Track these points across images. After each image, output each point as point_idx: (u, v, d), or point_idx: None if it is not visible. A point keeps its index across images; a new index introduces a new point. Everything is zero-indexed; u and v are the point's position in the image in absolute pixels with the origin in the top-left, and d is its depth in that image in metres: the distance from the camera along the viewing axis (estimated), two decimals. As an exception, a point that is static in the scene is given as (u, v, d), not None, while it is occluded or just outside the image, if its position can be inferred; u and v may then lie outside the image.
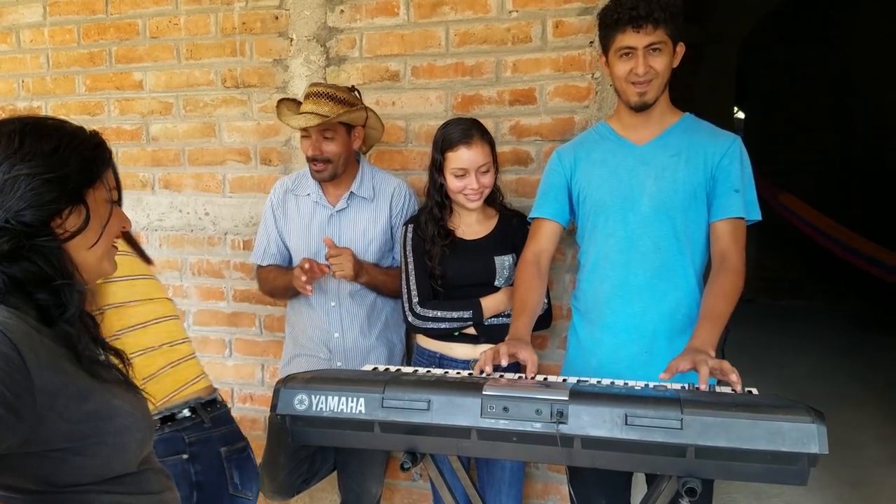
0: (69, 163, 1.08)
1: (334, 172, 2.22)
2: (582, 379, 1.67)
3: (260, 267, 2.43)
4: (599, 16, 1.89)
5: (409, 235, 2.19)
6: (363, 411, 1.45)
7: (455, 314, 2.11)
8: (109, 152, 1.17)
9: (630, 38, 1.79)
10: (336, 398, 1.46)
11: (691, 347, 1.60)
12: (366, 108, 2.24)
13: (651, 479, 2.00)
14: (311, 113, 2.15)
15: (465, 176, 2.07)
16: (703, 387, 1.49)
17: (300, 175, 2.37)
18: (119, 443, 1.08)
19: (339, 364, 2.30)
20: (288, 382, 1.51)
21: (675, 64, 1.87)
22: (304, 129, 2.18)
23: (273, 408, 1.51)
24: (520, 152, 2.49)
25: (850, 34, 7.17)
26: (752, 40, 6.69)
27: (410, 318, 2.15)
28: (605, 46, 1.88)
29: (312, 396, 1.48)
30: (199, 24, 2.80)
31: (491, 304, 2.12)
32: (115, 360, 1.19)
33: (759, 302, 7.74)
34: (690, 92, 6.03)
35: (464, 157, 2.06)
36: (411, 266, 2.17)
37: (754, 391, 1.52)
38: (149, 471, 1.16)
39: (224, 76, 2.80)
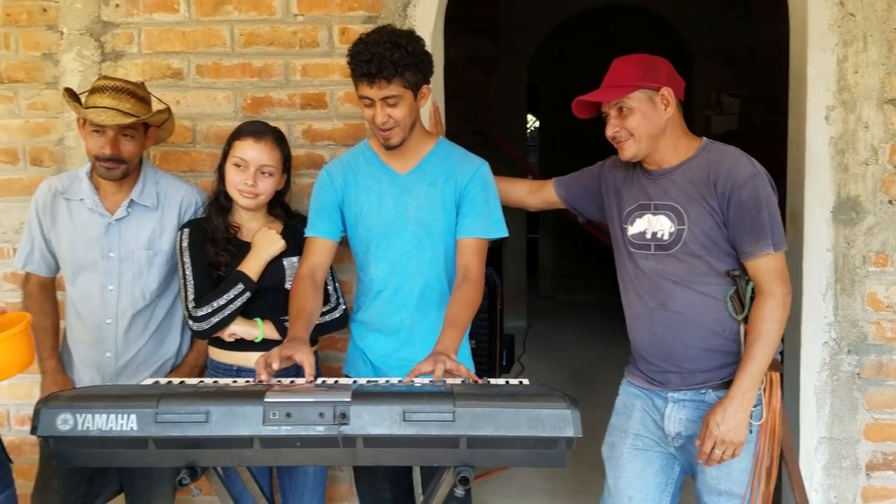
0: None
1: (126, 172, 2.08)
2: (371, 379, 1.71)
3: (27, 277, 2.24)
4: (347, 55, 1.89)
5: (185, 238, 2.07)
6: (135, 428, 1.38)
7: (231, 293, 2.00)
8: None
9: (366, 91, 1.86)
10: (104, 416, 1.38)
11: (436, 351, 1.72)
12: (169, 110, 2.16)
13: (425, 473, 2.08)
14: (114, 109, 2.00)
15: (244, 170, 2.02)
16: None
17: (72, 176, 2.17)
18: None
19: None
20: (49, 401, 1.40)
21: (422, 105, 1.96)
22: (97, 125, 2.00)
23: (34, 430, 1.39)
24: (314, 156, 2.49)
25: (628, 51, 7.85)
26: (541, 55, 7.12)
27: (192, 325, 2.01)
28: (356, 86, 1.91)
29: (77, 415, 1.38)
30: (-45, 13, 2.52)
31: (253, 262, 2.04)
32: None
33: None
34: (488, 102, 6.39)
35: (249, 149, 2.03)
36: (188, 267, 2.04)
37: (525, 381, 1.63)
38: None
39: (-14, 70, 2.53)
